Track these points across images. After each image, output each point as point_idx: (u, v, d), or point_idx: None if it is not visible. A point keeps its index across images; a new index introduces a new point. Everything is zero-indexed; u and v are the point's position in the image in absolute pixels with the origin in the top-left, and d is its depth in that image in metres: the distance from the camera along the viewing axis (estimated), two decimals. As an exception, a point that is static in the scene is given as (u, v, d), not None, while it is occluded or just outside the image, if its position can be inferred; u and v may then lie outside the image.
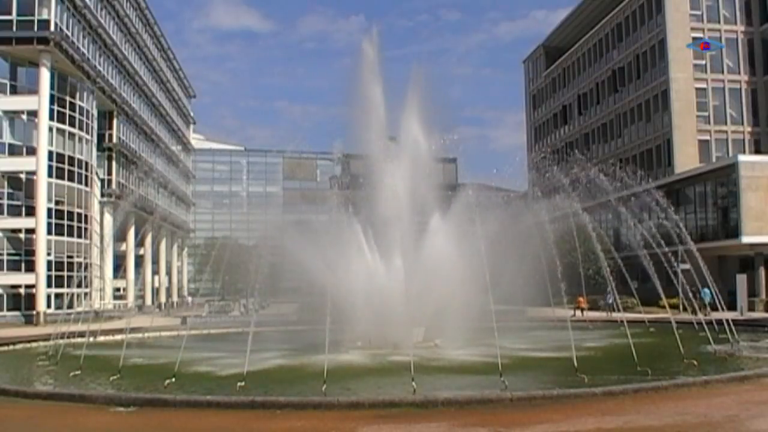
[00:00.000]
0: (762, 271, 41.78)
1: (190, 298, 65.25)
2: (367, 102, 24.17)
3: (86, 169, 46.96)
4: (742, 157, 43.77)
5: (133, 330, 27.04)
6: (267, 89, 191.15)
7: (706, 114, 53.48)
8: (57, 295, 42.88)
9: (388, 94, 24.54)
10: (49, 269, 42.50)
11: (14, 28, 41.90)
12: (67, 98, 45.08)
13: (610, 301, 40.03)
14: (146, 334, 28.45)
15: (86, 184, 47.01)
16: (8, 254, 42.95)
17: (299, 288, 23.10)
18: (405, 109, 24.28)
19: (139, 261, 60.79)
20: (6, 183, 43.22)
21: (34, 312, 41.29)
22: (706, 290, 35.11)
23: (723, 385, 13.48)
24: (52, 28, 41.98)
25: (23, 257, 43.14)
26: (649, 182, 39.76)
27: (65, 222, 44.47)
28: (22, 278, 42.74)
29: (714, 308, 27.80)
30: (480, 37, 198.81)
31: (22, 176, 43.51)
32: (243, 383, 13.43)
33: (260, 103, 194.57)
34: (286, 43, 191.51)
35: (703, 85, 53.39)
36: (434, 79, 25.29)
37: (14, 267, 42.96)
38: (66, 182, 44.69)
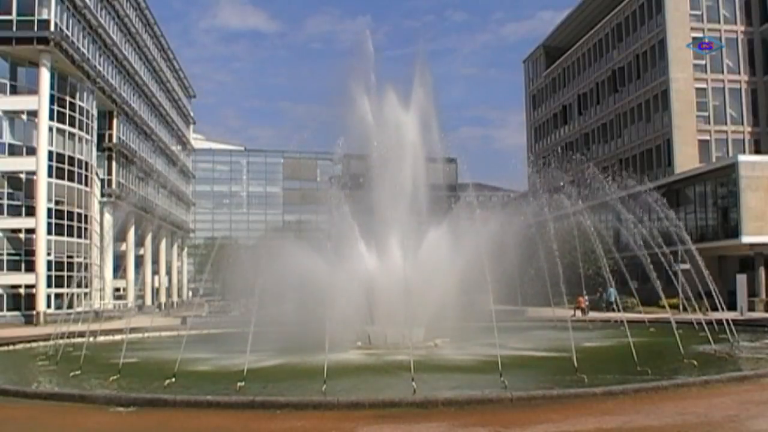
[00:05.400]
0: (762, 271, 41.76)
1: (197, 298, 65.00)
2: (365, 101, 24.18)
3: (86, 169, 46.96)
4: (742, 157, 43.76)
5: (133, 330, 27.01)
6: (271, 89, 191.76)
7: (706, 114, 53.48)
8: (57, 295, 42.86)
9: (389, 93, 24.58)
10: (49, 269, 42.49)
11: (14, 28, 41.87)
12: (67, 98, 45.07)
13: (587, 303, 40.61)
14: (146, 334, 28.43)
15: (86, 184, 47.01)
16: (8, 254, 42.94)
17: (299, 288, 23.06)
18: (405, 107, 24.27)
19: (139, 261, 60.78)
20: (6, 183, 43.21)
21: (34, 312, 41.29)
22: (611, 290, 35.83)
23: (723, 385, 13.48)
24: (52, 28, 41.97)
25: (23, 257, 43.13)
26: (646, 182, 39.75)
27: (65, 222, 44.46)
28: (22, 278, 42.73)
29: (618, 308, 28.30)
30: (486, 37, 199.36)
31: (22, 176, 43.51)
32: (243, 383, 13.42)
33: (264, 103, 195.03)
34: (292, 44, 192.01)
35: (703, 85, 53.38)
36: (436, 78, 25.25)
37: (14, 267, 42.94)
38: (66, 182, 44.68)
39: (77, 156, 45.86)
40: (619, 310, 28.06)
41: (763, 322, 29.11)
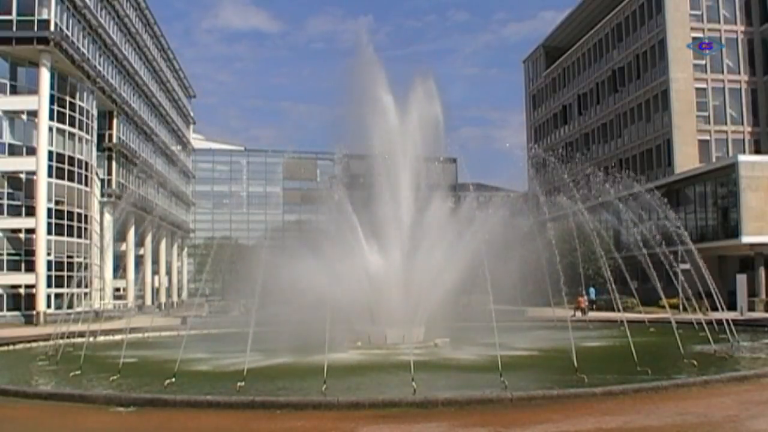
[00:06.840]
0: (762, 271, 41.78)
1: (195, 297, 64.84)
2: (366, 101, 24.17)
3: (86, 169, 46.95)
4: (742, 157, 43.78)
5: (133, 330, 27.01)
6: (273, 89, 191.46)
7: (706, 114, 53.48)
8: (57, 295, 42.84)
9: (390, 92, 24.56)
10: (49, 269, 42.47)
11: (14, 28, 41.84)
12: (67, 98, 45.05)
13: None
14: (146, 334, 28.43)
15: (86, 184, 47.00)
16: (8, 254, 42.93)
17: (299, 288, 23.08)
18: (406, 108, 24.26)
19: (139, 261, 60.77)
20: (6, 183, 43.20)
21: (34, 312, 41.28)
22: (591, 290, 36.45)
23: (723, 385, 13.48)
24: (52, 28, 41.95)
25: (23, 257, 43.12)
26: (644, 182, 39.80)
27: (65, 222, 44.44)
28: (22, 278, 42.72)
29: (601, 307, 28.35)
30: (487, 37, 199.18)
31: (22, 176, 43.49)
32: (242, 383, 13.42)
33: (265, 103, 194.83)
34: (294, 44, 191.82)
35: (703, 85, 53.38)
36: (438, 78, 25.21)
37: (14, 267, 42.93)
38: (66, 182, 44.67)
39: (77, 156, 45.85)
40: (616, 309, 28.05)
41: (763, 322, 29.12)
